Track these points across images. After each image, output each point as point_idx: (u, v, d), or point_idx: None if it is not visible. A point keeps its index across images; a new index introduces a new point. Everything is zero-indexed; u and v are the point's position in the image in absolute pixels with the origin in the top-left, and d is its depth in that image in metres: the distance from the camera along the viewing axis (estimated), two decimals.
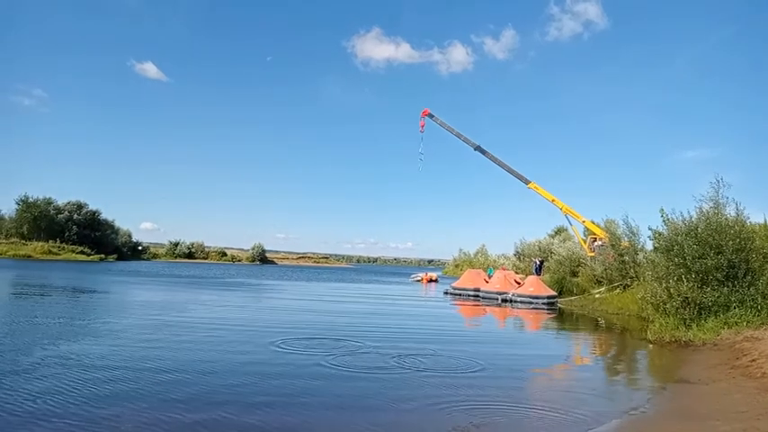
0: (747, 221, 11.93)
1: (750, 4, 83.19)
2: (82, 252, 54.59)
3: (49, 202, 58.25)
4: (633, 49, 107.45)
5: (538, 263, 30.03)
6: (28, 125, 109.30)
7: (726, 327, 10.16)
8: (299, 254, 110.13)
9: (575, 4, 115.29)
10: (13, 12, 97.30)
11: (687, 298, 11.01)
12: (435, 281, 42.54)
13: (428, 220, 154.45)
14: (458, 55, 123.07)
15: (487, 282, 25.43)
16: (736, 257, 10.91)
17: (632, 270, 19.92)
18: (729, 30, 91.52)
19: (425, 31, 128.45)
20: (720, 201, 11.96)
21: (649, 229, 13.75)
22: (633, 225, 21.10)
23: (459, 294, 25.09)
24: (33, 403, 4.98)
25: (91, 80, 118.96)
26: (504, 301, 21.97)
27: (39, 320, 10.42)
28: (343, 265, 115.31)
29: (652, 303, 12.25)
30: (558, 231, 40.09)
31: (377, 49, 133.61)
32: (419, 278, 43.42)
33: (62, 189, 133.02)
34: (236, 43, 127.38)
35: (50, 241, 54.07)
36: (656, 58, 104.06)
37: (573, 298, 22.09)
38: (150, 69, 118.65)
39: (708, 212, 11.88)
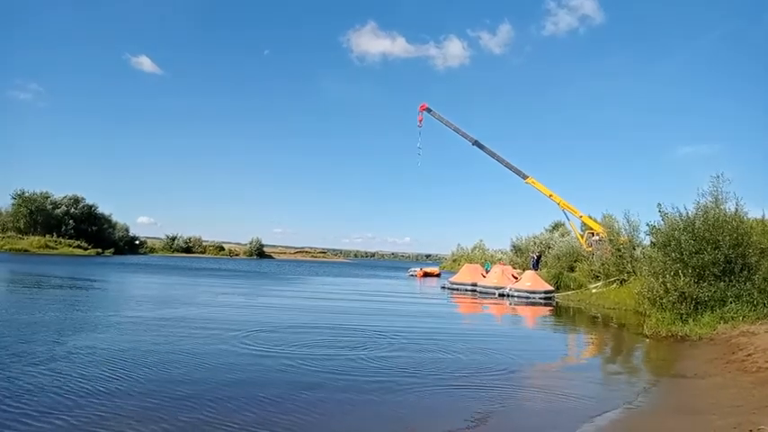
0: (746, 217, 11.95)
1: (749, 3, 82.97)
2: (79, 246, 54.35)
3: (45, 196, 57.87)
4: (630, 44, 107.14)
5: (535, 257, 30.11)
6: (24, 119, 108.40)
7: (722, 322, 10.21)
8: (296, 248, 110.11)
9: None
10: (7, 5, 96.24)
11: (684, 293, 11.05)
12: (438, 275, 42.68)
13: (426, 215, 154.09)
14: (454, 49, 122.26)
15: (485, 276, 25.48)
16: (732, 253, 10.94)
17: (629, 265, 19.98)
18: (727, 27, 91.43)
19: (421, 25, 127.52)
20: (720, 196, 11.98)
21: (647, 225, 13.79)
22: (633, 220, 21.18)
23: (457, 289, 25.13)
24: (87, 383, 5.55)
25: (86, 74, 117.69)
26: (502, 295, 22.02)
27: (59, 314, 10.72)
28: (341, 259, 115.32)
29: (649, 298, 12.30)
30: (556, 226, 40.21)
31: (372, 43, 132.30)
32: (415, 273, 43.42)
33: (59, 183, 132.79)
34: (232, 38, 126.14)
35: (47, 235, 53.79)
36: (654, 53, 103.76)
37: (570, 293, 22.13)
38: (145, 63, 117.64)
39: (707, 207, 11.90)
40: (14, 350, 6.99)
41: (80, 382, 5.63)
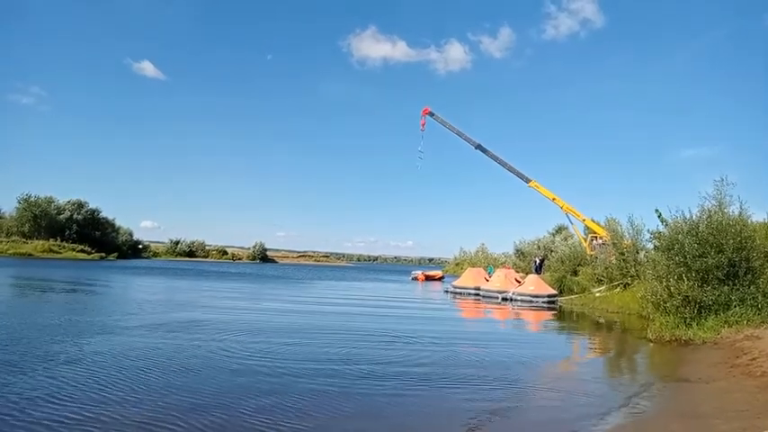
0: (749, 220, 11.92)
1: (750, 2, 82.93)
2: (82, 251, 54.52)
3: (49, 201, 58.19)
4: (631, 46, 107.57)
5: (538, 261, 30.06)
6: (27, 123, 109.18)
7: (726, 325, 10.17)
8: (299, 252, 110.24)
9: (571, 1, 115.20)
10: (8, 9, 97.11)
11: (687, 297, 11.01)
12: (440, 278, 42.74)
13: (428, 219, 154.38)
14: (455, 53, 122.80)
15: (488, 280, 25.44)
16: (736, 256, 10.91)
17: (633, 269, 19.92)
18: (728, 27, 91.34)
19: (422, 29, 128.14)
20: (723, 199, 11.96)
21: (649, 231, 13.76)
22: (637, 224, 21.14)
23: (460, 293, 25.10)
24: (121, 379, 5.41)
25: (88, 78, 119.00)
26: (505, 299, 21.98)
27: (74, 316, 10.93)
28: (344, 263, 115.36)
29: (652, 302, 12.25)
30: (559, 230, 40.14)
31: (373, 47, 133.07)
32: (416, 276, 43.34)
33: (62, 187, 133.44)
34: (234, 42, 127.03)
35: (51, 240, 54.10)
36: (655, 55, 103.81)
37: (573, 296, 22.08)
38: (148, 68, 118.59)
39: (710, 210, 11.88)
40: (45, 350, 7.33)
41: (115, 377, 6.02)
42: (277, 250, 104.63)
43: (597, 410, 5.64)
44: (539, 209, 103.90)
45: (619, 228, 22.67)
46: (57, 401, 5.02)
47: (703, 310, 10.91)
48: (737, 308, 10.50)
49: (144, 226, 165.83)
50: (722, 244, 11.01)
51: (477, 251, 60.15)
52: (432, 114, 31.87)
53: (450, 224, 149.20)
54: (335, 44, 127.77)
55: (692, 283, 11.02)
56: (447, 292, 26.47)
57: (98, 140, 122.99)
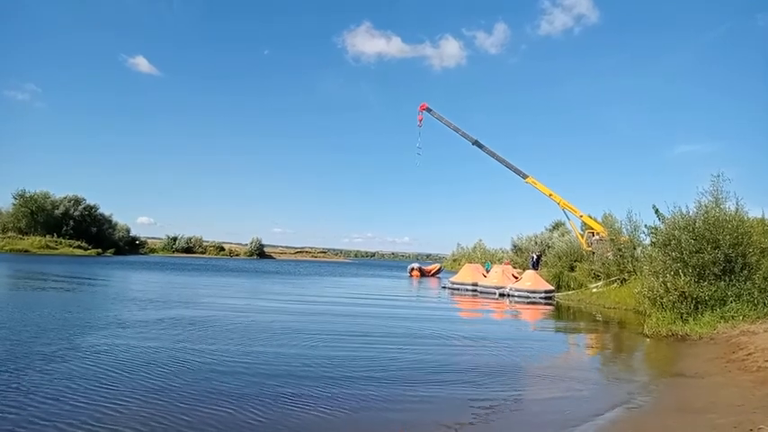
0: (746, 216, 11.97)
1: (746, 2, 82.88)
2: (79, 246, 54.42)
3: (46, 197, 57.95)
4: (626, 42, 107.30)
5: (535, 257, 30.13)
6: (23, 120, 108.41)
7: (722, 321, 10.22)
8: (296, 248, 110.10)
9: None
10: (5, 6, 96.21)
11: (684, 292, 11.06)
12: (437, 272, 42.85)
13: (426, 215, 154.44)
14: (450, 49, 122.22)
15: (485, 276, 25.48)
16: (732, 252, 10.96)
17: (630, 264, 19.99)
18: (727, 24, 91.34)
19: (416, 25, 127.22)
20: (720, 195, 11.99)
21: (646, 226, 13.80)
22: (634, 219, 21.19)
23: (458, 289, 25.14)
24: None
25: (83, 74, 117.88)
26: (502, 295, 22.03)
27: (86, 313, 11.07)
28: (341, 259, 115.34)
29: (649, 298, 12.30)
30: (556, 226, 40.20)
31: (368, 43, 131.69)
32: (413, 268, 43.10)
33: (58, 183, 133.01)
34: (228, 38, 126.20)
35: (48, 236, 53.91)
36: (650, 51, 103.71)
37: (570, 292, 22.15)
38: (142, 63, 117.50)
39: (707, 206, 11.91)
40: (71, 343, 7.63)
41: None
42: (274, 246, 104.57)
43: (593, 405, 5.65)
44: (536, 205, 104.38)
45: (616, 223, 22.73)
46: (88, 395, 5.20)
47: (699, 306, 10.96)
48: (733, 303, 10.56)
49: (140, 222, 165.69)
50: (718, 240, 11.06)
51: (475, 247, 60.10)
52: (429, 110, 31.77)
53: (448, 220, 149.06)
54: (330, 40, 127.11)
55: (688, 278, 11.07)
56: (444, 288, 26.50)
57: (94, 136, 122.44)
